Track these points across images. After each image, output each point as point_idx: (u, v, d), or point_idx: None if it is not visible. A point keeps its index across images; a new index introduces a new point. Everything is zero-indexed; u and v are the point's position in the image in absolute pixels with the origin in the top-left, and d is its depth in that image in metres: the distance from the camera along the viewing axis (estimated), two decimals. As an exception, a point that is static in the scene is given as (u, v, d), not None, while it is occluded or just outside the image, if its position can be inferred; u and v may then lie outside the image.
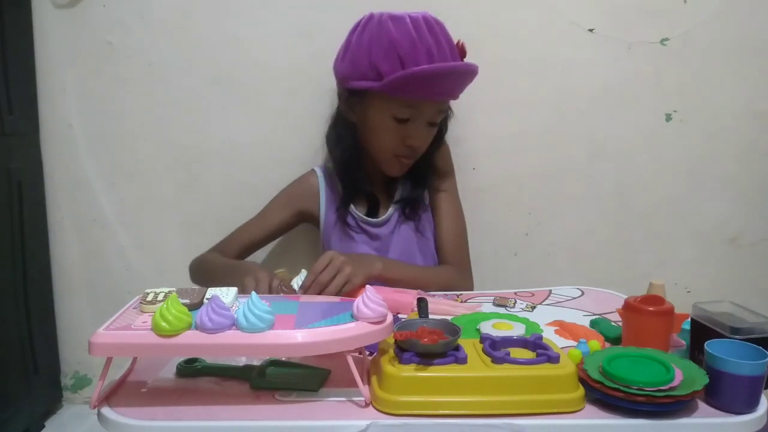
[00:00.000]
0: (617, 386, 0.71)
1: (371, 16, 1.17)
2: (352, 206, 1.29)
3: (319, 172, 1.35)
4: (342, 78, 1.22)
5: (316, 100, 1.43)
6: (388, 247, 1.30)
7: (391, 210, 1.31)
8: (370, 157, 1.27)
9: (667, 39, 1.42)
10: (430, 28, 1.14)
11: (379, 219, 1.30)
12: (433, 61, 1.12)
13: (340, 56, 1.23)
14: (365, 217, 1.29)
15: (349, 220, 1.29)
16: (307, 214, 1.33)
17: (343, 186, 1.29)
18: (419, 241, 1.31)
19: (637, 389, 0.70)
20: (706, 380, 0.73)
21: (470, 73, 1.17)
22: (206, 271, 1.25)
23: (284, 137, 1.45)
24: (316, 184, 1.33)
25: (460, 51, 1.18)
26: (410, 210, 1.30)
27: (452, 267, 1.30)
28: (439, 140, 1.29)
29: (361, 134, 1.25)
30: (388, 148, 1.22)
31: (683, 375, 0.73)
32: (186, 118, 1.44)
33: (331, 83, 1.42)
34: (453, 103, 1.27)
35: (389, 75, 1.12)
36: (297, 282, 1.08)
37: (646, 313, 0.84)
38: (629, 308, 0.86)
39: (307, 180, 1.35)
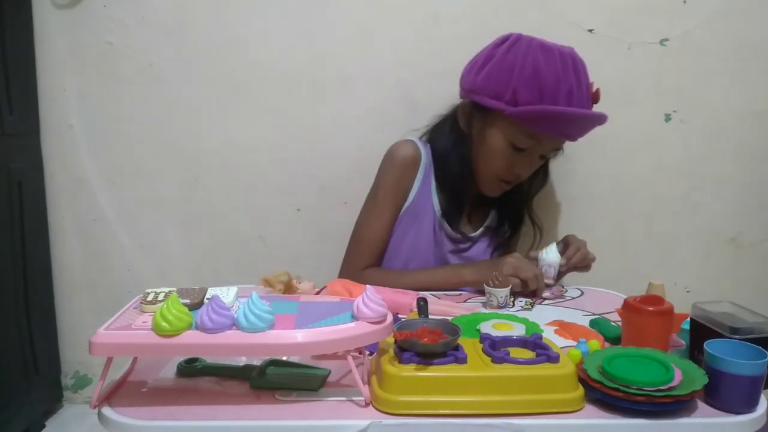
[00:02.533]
0: (617, 386, 0.71)
1: (520, 37, 1.15)
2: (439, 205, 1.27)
3: (421, 148, 1.26)
4: (471, 89, 1.18)
5: (316, 100, 1.43)
6: (446, 260, 1.30)
7: (480, 232, 1.31)
8: (473, 171, 1.25)
9: (666, 39, 1.43)
10: (576, 67, 1.13)
11: (469, 235, 1.30)
12: (571, 103, 1.11)
13: (475, 67, 1.18)
14: (449, 228, 1.27)
15: (437, 218, 1.27)
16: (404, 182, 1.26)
17: (443, 191, 1.26)
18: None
19: (636, 389, 0.70)
20: (705, 380, 0.73)
21: (600, 122, 1.17)
22: (403, 282, 1.18)
23: (284, 137, 1.45)
24: (418, 158, 1.25)
25: (594, 97, 1.18)
26: (500, 241, 1.32)
27: None
28: (543, 174, 1.31)
29: (472, 147, 1.23)
30: (496, 171, 1.21)
31: (683, 375, 0.73)
32: (186, 118, 1.44)
33: (330, 84, 1.43)
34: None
35: (525, 104, 1.11)
36: (545, 254, 1.19)
37: (645, 313, 0.84)
38: (629, 308, 0.86)
39: (408, 152, 1.25)
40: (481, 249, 1.32)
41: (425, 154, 1.26)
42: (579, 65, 1.15)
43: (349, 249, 1.28)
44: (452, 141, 1.24)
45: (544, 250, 1.20)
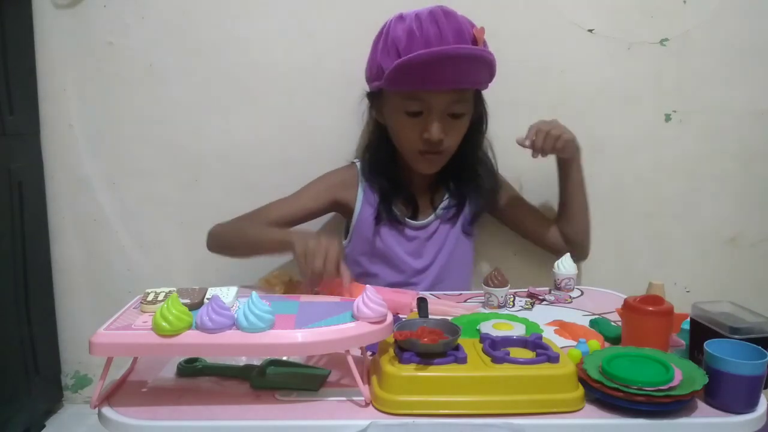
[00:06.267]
0: (617, 386, 0.71)
1: (386, 22, 1.19)
2: (392, 206, 1.28)
3: (359, 165, 1.33)
4: (366, 82, 1.26)
5: (316, 101, 1.43)
6: (422, 251, 1.29)
7: (432, 216, 1.29)
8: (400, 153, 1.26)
9: (666, 39, 1.43)
10: (435, 19, 1.12)
11: (418, 222, 1.29)
12: (430, 48, 1.09)
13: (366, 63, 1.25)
14: (404, 217, 1.28)
15: (386, 218, 1.28)
16: (342, 204, 1.31)
17: (379, 185, 1.28)
18: (456, 250, 1.30)
19: (636, 389, 0.70)
20: (705, 380, 0.73)
21: (468, 57, 1.11)
22: (235, 238, 1.23)
23: (284, 137, 1.45)
24: (355, 176, 1.31)
25: (475, 38, 1.14)
26: (453, 215, 1.29)
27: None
28: (476, 137, 1.28)
29: (390, 134, 1.26)
30: (409, 144, 1.21)
31: (683, 375, 0.73)
32: (186, 119, 1.44)
33: (331, 84, 1.43)
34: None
35: (387, 70, 1.13)
36: (560, 267, 1.20)
37: (645, 313, 0.84)
38: (629, 308, 0.87)
39: (347, 171, 1.33)
40: (443, 231, 1.30)
41: (360, 170, 1.31)
42: (440, 16, 1.12)
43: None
44: (376, 136, 1.30)
45: (558, 263, 1.20)
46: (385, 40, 1.15)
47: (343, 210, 1.33)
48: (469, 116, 1.22)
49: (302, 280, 1.09)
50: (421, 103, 1.15)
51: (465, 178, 1.30)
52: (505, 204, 1.35)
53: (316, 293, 1.00)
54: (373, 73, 1.19)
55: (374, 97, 1.25)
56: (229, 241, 1.25)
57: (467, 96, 1.20)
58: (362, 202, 1.29)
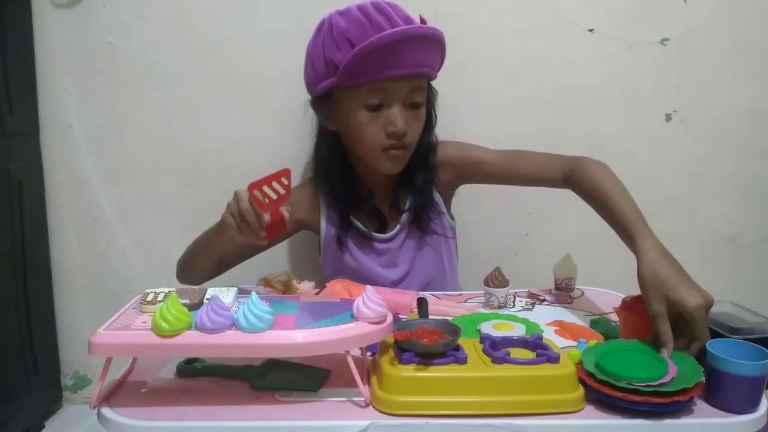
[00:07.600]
0: (607, 379, 0.71)
1: (322, 20, 1.14)
2: (354, 221, 1.23)
3: (318, 184, 1.26)
4: (308, 88, 1.18)
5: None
6: (397, 262, 1.25)
7: (399, 225, 1.24)
8: (364, 164, 1.20)
9: (667, 39, 1.43)
10: (380, 9, 1.08)
11: (386, 234, 1.24)
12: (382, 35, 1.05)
13: (304, 69, 1.18)
14: (369, 232, 1.23)
15: (352, 234, 1.23)
16: (306, 224, 1.27)
17: (337, 201, 1.23)
18: (432, 254, 1.26)
19: (626, 383, 0.70)
20: (701, 377, 0.73)
21: (425, 37, 1.08)
22: (189, 253, 1.21)
23: (284, 137, 1.45)
24: (315, 194, 1.26)
25: (423, 21, 1.11)
26: (419, 220, 1.23)
27: (577, 163, 1.17)
28: (428, 129, 1.21)
29: (345, 140, 1.19)
30: (372, 142, 1.13)
31: (678, 371, 0.73)
32: (186, 118, 1.44)
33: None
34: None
35: (343, 63, 1.07)
36: (561, 267, 1.19)
37: (643, 313, 0.84)
38: (626, 307, 0.87)
39: (306, 189, 1.27)
40: (415, 236, 1.25)
41: (321, 188, 1.25)
42: (384, 7, 1.09)
43: None
44: (327, 147, 1.22)
45: (557, 264, 1.19)
46: (330, 35, 1.09)
47: (311, 228, 1.29)
48: (424, 108, 1.17)
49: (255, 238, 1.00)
50: (381, 94, 1.10)
51: (424, 175, 1.23)
52: (483, 173, 1.26)
53: (265, 239, 0.98)
54: (321, 71, 1.11)
55: (321, 101, 1.17)
56: (187, 257, 1.22)
57: (424, 84, 1.15)
58: (327, 219, 1.25)
